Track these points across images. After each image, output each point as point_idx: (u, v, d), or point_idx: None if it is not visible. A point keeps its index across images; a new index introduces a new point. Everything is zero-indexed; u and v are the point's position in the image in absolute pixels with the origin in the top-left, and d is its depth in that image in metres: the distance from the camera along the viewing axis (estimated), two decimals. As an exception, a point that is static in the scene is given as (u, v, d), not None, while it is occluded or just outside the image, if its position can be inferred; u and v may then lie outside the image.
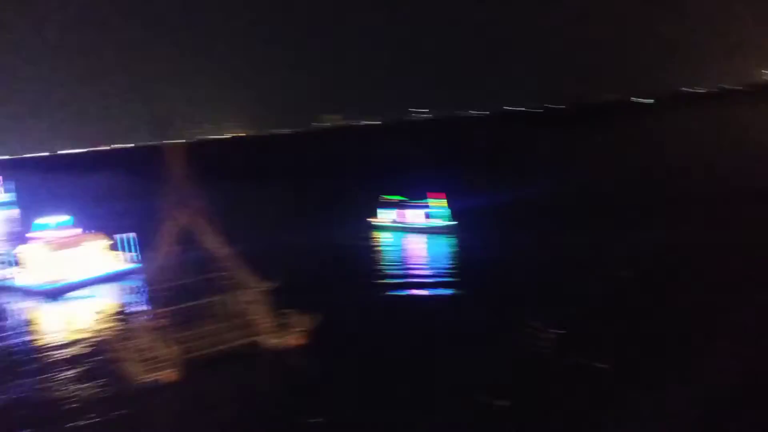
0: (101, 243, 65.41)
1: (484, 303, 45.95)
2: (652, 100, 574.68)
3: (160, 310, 37.86)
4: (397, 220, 77.23)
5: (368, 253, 67.15)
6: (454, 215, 74.45)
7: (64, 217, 68.70)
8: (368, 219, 79.84)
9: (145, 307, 39.18)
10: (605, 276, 50.08)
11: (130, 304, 50.51)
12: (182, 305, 42.24)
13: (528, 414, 29.01)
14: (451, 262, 61.03)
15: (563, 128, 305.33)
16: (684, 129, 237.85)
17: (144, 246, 48.68)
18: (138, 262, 62.99)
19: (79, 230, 67.34)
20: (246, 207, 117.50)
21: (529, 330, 39.41)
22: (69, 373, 38.39)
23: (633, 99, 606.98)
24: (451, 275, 55.16)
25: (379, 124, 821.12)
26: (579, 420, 28.21)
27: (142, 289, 43.13)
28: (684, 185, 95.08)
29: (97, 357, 40.71)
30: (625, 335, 37.42)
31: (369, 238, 74.14)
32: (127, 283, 60.38)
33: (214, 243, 41.29)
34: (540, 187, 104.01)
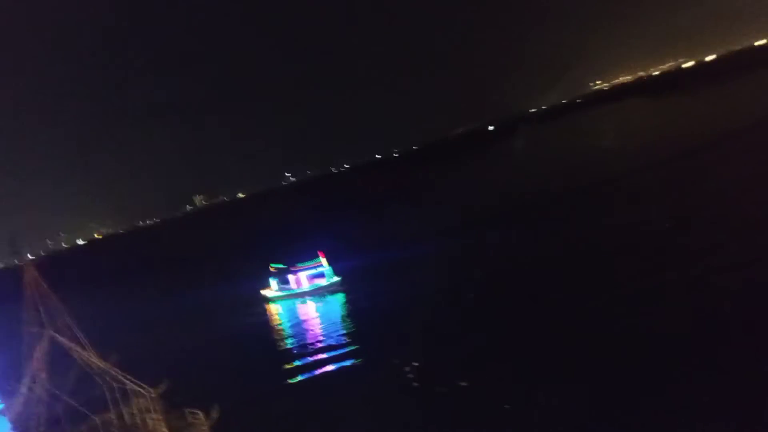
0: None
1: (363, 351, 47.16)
2: (492, 127, 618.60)
3: (38, 448, 33.64)
4: (290, 286, 75.38)
5: (261, 329, 64.71)
6: (340, 271, 73.99)
7: None
8: (261, 292, 77.31)
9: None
10: (458, 303, 53.80)
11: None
12: (64, 434, 38.15)
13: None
14: (338, 319, 60.79)
15: (428, 168, 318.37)
16: (539, 146, 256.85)
17: (6, 380, 43.61)
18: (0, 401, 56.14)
19: None
20: (124, 309, 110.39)
21: (391, 365, 41.18)
22: None
23: (489, 128, 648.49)
24: (339, 333, 54.97)
25: (251, 196, 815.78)
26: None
27: (12, 429, 38.36)
28: (550, 198, 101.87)
29: None
30: (477, 354, 40.21)
31: (261, 313, 71.69)
32: None
33: (88, 358, 37.87)
34: (415, 231, 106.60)
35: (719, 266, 45.91)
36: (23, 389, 36.59)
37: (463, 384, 35.46)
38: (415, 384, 37.81)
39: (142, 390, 37.34)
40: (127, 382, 37.63)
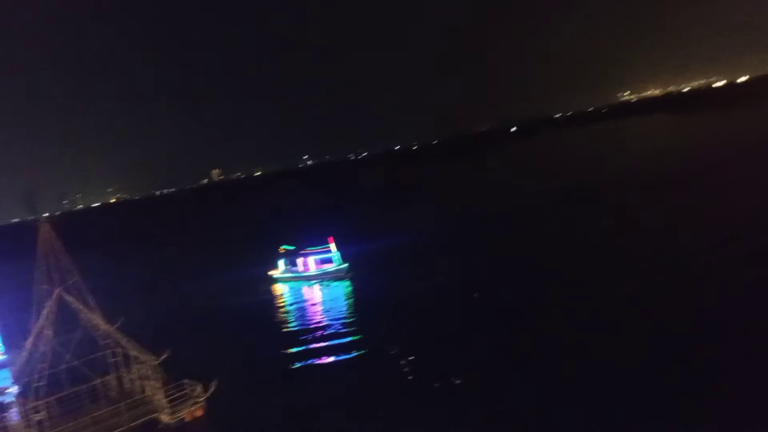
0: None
1: (362, 341, 47.40)
2: (514, 128, 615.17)
3: (38, 403, 34.32)
4: (297, 269, 75.71)
5: (266, 309, 65.14)
6: (348, 258, 74.10)
7: None
8: (268, 272, 77.75)
9: (20, 402, 35.36)
10: (461, 299, 54.13)
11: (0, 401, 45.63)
12: (64, 393, 38.81)
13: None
14: (342, 306, 60.92)
15: (445, 162, 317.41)
16: (558, 150, 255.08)
17: (13, 334, 44.48)
18: (4, 353, 57.10)
19: None
20: (133, 274, 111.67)
21: (390, 357, 41.51)
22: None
23: (511, 129, 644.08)
24: (342, 320, 55.06)
25: (268, 174, 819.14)
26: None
27: (13, 383, 39.12)
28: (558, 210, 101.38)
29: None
30: (476, 351, 40.57)
31: (267, 293, 72.17)
32: None
33: (94, 320, 38.48)
34: (426, 223, 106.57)
35: (720, 266, 47.51)
36: (28, 344, 37.27)
37: (458, 382, 35.75)
38: (410, 377, 38.08)
39: (143, 357, 37.90)
40: (130, 347, 38.22)
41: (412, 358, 40.87)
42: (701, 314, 39.18)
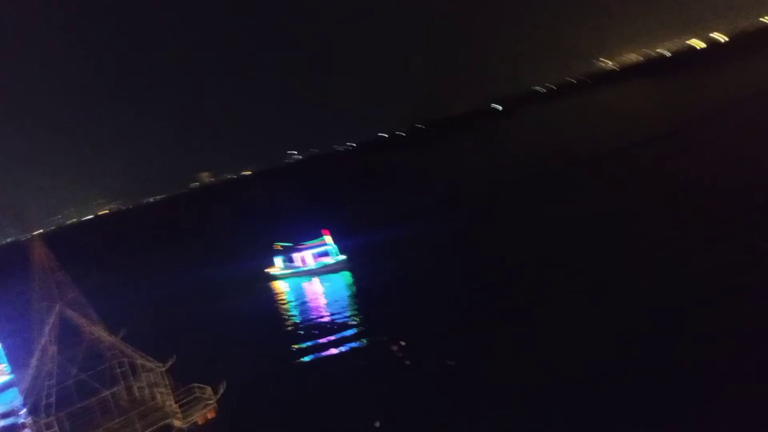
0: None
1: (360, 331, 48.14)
2: (497, 105, 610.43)
3: (49, 419, 34.38)
4: (295, 264, 75.66)
5: (267, 306, 65.27)
6: (345, 250, 73.94)
7: None
8: (265, 270, 77.74)
9: (29, 420, 35.42)
10: (454, 285, 54.42)
11: (9, 421, 45.64)
12: (73, 408, 38.86)
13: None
14: (342, 299, 61.20)
15: (435, 146, 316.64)
16: (542, 126, 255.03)
17: (17, 353, 44.44)
18: (11, 373, 56.94)
19: None
20: (131, 284, 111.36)
21: (383, 345, 42.41)
22: None
23: (492, 105, 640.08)
24: (343, 313, 55.18)
25: (256, 173, 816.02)
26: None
27: (22, 402, 39.14)
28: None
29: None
30: (463, 336, 41.11)
31: (267, 290, 72.24)
32: (3, 398, 54.51)
33: (97, 332, 38.49)
34: (419, 210, 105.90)
35: (708, 248, 45.58)
36: (34, 362, 37.28)
37: (452, 363, 36.62)
38: (407, 362, 38.68)
39: (150, 364, 37.95)
40: (136, 356, 38.26)
41: (414, 345, 41.12)
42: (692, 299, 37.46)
